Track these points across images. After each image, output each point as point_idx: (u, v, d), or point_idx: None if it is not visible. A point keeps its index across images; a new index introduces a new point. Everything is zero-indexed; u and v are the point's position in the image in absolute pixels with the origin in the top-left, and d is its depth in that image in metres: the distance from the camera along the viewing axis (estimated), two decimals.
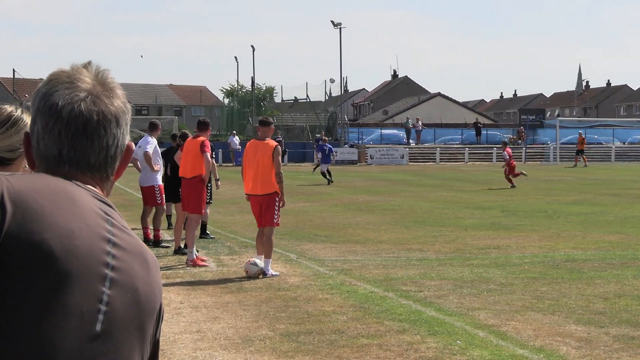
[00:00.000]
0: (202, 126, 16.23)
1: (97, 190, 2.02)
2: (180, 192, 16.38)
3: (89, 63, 2.08)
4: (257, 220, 14.37)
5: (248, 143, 14.61)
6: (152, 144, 18.13)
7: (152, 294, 1.98)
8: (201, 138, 15.86)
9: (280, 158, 14.16)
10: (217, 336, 9.66)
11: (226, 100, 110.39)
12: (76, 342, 1.80)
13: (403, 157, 68.68)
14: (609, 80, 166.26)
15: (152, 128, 18.75)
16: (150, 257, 2.02)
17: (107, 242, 1.90)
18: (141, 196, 18.92)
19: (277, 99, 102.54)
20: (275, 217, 14.17)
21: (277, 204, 14.14)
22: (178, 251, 16.47)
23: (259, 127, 14.60)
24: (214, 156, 16.27)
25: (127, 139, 2.10)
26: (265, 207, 14.08)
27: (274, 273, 13.82)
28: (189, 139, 16.41)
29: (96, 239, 1.89)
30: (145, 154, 17.92)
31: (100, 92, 2.02)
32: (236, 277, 13.76)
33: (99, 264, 1.86)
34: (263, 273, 13.69)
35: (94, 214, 1.92)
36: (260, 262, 13.89)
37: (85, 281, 1.83)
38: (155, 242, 17.82)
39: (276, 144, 14.22)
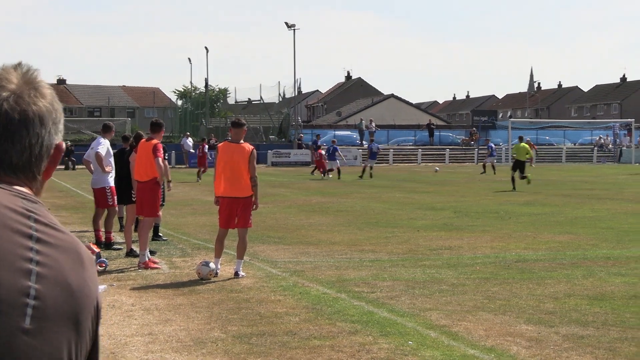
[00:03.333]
0: (155, 128, 16.14)
1: (24, 189, 2.00)
2: (135, 195, 16.28)
3: (19, 64, 2.06)
4: (223, 223, 14.24)
5: (220, 145, 14.51)
6: (103, 145, 17.99)
7: (87, 288, 1.96)
8: (154, 141, 15.76)
9: (255, 162, 14.13)
10: (169, 338, 9.61)
11: (179, 102, 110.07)
12: (4, 337, 1.78)
13: (356, 159, 68.79)
14: (560, 82, 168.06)
15: (105, 130, 18.62)
16: (84, 252, 2.00)
17: (28, 238, 1.88)
18: (93, 198, 18.79)
19: (231, 101, 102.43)
20: (251, 219, 14.19)
21: (252, 206, 14.13)
22: (130, 253, 16.37)
23: (231, 128, 14.48)
24: (166, 158, 16.17)
25: (57, 139, 2.07)
26: (242, 210, 14.03)
27: (243, 274, 13.82)
28: (142, 141, 16.26)
29: (15, 235, 1.87)
30: (97, 155, 17.80)
31: (25, 92, 2.00)
32: (188, 279, 13.71)
33: (19, 259, 1.84)
34: (215, 274, 13.68)
35: (12, 212, 1.90)
36: (213, 264, 13.85)
37: (5, 276, 1.81)
38: (107, 244, 17.69)
39: (253, 147, 14.20)
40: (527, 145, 39.07)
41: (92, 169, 18.21)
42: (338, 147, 50.63)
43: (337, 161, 48.72)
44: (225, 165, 14.03)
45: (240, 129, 14.23)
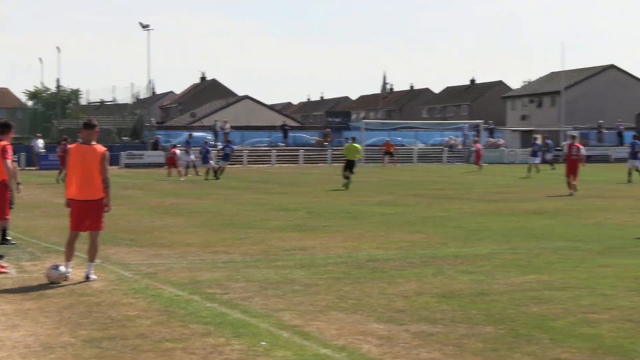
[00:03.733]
0: (3, 129, 15.73)
1: None
2: None
3: None
4: (73, 225, 13.97)
5: (72, 147, 14.24)
6: None
7: None
8: (2, 142, 15.38)
9: (108, 164, 13.90)
10: (17, 344, 9.39)
11: (29, 103, 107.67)
12: None
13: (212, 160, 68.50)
14: (412, 84, 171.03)
15: None
16: None
17: None
18: None
19: (83, 102, 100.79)
20: (102, 221, 13.97)
21: (104, 209, 13.92)
22: None
23: (83, 129, 14.15)
24: (15, 160, 15.79)
25: None
26: (94, 212, 13.79)
27: (95, 277, 13.61)
28: None
29: None
30: None
31: None
32: (38, 284, 13.40)
33: None
34: (66, 277, 13.45)
35: None
36: (63, 267, 13.61)
37: None
38: None
39: (105, 149, 13.93)
40: (358, 146, 40.89)
41: None
42: (210, 149, 51.26)
43: (211, 162, 49.38)
44: (76, 167, 13.79)
45: (92, 130, 14.00)
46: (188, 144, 58.26)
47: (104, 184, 13.76)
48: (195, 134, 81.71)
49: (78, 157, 13.81)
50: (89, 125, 14.04)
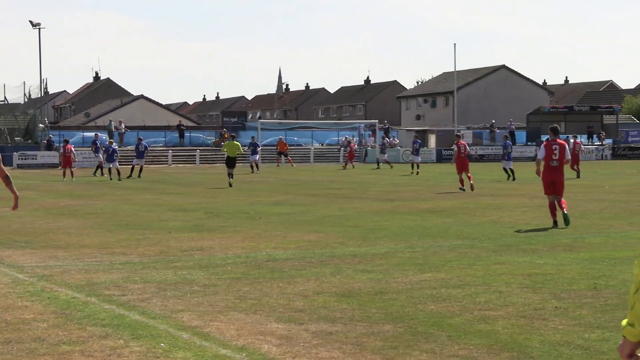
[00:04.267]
0: None
1: None
2: None
3: None
4: None
5: None
6: None
7: None
8: None
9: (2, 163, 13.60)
10: None
11: None
12: None
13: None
14: (307, 84, 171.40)
15: None
16: None
17: None
18: None
19: None
20: None
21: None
22: None
23: None
24: None
25: None
26: None
27: None
28: None
29: None
30: None
31: None
32: None
33: None
34: None
35: None
36: None
37: None
38: None
39: None
40: (237, 143, 42.57)
41: None
42: (116, 148, 51.16)
43: (116, 161, 49.66)
44: None
45: None
46: (95, 144, 57.95)
47: (7, 181, 13.49)
48: (89, 134, 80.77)
49: None
50: None
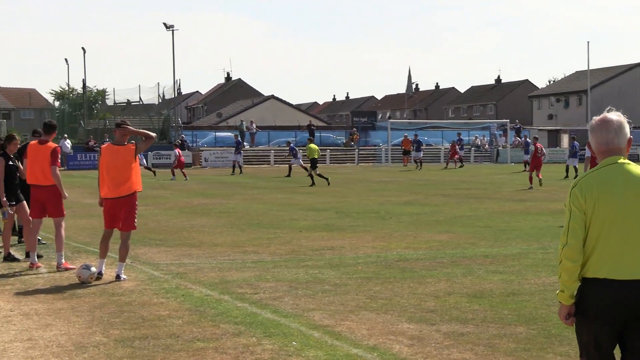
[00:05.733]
0: (49, 129, 15.67)
1: None
2: (32, 199, 15.60)
3: None
4: (107, 223, 14.19)
5: (103, 147, 14.42)
6: None
7: None
8: (52, 145, 15.40)
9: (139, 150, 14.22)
10: (49, 344, 9.45)
11: (57, 103, 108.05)
12: None
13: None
14: (437, 83, 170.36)
15: None
16: None
17: None
18: None
19: (110, 102, 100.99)
20: (134, 221, 14.18)
21: (135, 208, 14.13)
22: (7, 257, 16.05)
23: (116, 130, 14.35)
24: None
25: None
26: (125, 212, 14.00)
27: (125, 277, 13.71)
28: (34, 143, 15.74)
29: None
30: None
31: None
32: (69, 283, 13.50)
33: None
34: (98, 276, 13.58)
35: None
36: (93, 267, 13.72)
37: None
38: None
39: (135, 144, 14.14)
40: (315, 146, 45.84)
41: None
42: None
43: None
44: (109, 167, 13.94)
45: (124, 130, 14.16)
46: (239, 145, 59.14)
47: (147, 136, 14.29)
48: (221, 134, 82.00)
49: (109, 157, 13.96)
50: (120, 126, 14.20)
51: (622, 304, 5.61)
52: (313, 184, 41.66)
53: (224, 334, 9.79)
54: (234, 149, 59.74)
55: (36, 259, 15.27)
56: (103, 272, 13.82)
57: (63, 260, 14.96)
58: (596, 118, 6.01)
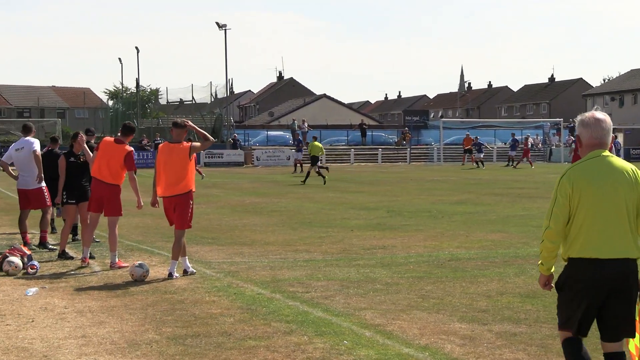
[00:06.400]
0: (127, 131, 15.79)
1: None
2: (92, 193, 15.76)
3: None
4: (172, 222, 14.35)
5: (160, 145, 14.53)
6: (38, 143, 17.91)
7: None
8: (128, 148, 15.51)
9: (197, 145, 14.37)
10: (103, 341, 9.54)
11: (110, 102, 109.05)
12: None
13: (289, 159, 68.79)
14: (490, 82, 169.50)
15: (26, 130, 18.47)
16: None
17: None
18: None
19: (163, 101, 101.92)
20: (189, 220, 14.26)
21: (190, 207, 14.19)
22: (62, 255, 16.21)
23: (173, 129, 14.45)
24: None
25: None
26: (180, 210, 14.08)
27: (177, 275, 13.87)
28: (108, 140, 15.84)
29: None
30: (36, 155, 17.62)
31: None
32: (122, 281, 13.61)
33: None
34: (172, 275, 13.77)
35: None
36: (146, 265, 13.84)
37: None
38: (42, 244, 17.60)
39: (190, 143, 14.21)
40: (319, 144, 46.83)
41: (21, 170, 18.00)
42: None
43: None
44: (165, 165, 14.04)
45: (182, 129, 14.28)
46: (300, 143, 59.62)
47: (206, 138, 14.38)
48: (273, 133, 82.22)
49: (165, 156, 14.08)
50: (179, 125, 14.32)
51: (605, 279, 6.51)
52: (304, 181, 43.02)
53: (275, 333, 9.81)
54: (293, 148, 60.27)
55: (88, 254, 15.41)
56: (174, 273, 13.88)
57: (117, 259, 15.07)
58: (588, 115, 6.83)
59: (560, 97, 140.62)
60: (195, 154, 14.29)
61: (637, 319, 6.84)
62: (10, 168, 18.52)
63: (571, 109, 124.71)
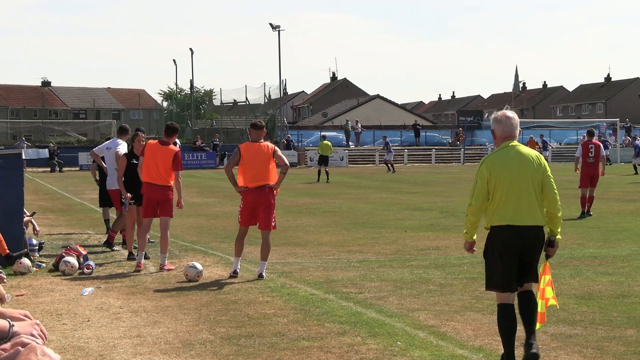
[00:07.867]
0: (170, 132, 15.89)
1: None
2: (145, 198, 15.71)
3: None
4: (244, 221, 14.46)
5: (242, 145, 14.58)
6: (123, 146, 18.11)
7: None
8: (174, 148, 15.62)
9: (280, 153, 14.55)
10: (157, 340, 9.60)
11: (165, 104, 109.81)
12: None
13: (343, 159, 68.85)
14: (545, 82, 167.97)
15: (122, 132, 18.82)
16: None
17: None
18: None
19: (216, 102, 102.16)
20: (273, 220, 14.62)
21: (273, 207, 14.51)
22: (130, 256, 16.32)
23: (251, 130, 14.60)
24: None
25: None
26: (264, 210, 14.34)
27: (266, 275, 13.96)
28: (153, 142, 15.94)
29: None
30: (118, 155, 17.71)
31: None
32: (176, 281, 13.70)
33: None
34: (233, 275, 13.87)
35: None
36: (199, 265, 13.91)
37: None
38: (109, 244, 17.79)
39: (274, 145, 14.45)
40: (329, 143, 47.81)
41: (108, 170, 18.40)
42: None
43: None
44: (250, 163, 14.12)
45: (260, 130, 14.46)
46: (388, 144, 59.79)
47: (283, 170, 14.30)
48: (327, 133, 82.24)
49: (249, 154, 14.19)
50: (257, 126, 14.54)
51: (519, 241, 8.19)
52: (319, 180, 44.77)
53: (328, 333, 9.81)
54: (385, 150, 60.32)
55: (143, 259, 15.42)
56: (238, 270, 13.99)
57: (166, 262, 15.15)
58: (500, 113, 8.50)
59: (616, 96, 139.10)
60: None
61: (540, 270, 8.47)
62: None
63: (628, 108, 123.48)
